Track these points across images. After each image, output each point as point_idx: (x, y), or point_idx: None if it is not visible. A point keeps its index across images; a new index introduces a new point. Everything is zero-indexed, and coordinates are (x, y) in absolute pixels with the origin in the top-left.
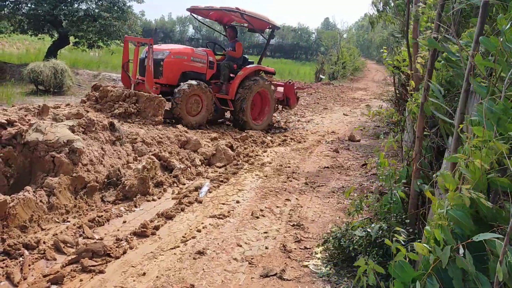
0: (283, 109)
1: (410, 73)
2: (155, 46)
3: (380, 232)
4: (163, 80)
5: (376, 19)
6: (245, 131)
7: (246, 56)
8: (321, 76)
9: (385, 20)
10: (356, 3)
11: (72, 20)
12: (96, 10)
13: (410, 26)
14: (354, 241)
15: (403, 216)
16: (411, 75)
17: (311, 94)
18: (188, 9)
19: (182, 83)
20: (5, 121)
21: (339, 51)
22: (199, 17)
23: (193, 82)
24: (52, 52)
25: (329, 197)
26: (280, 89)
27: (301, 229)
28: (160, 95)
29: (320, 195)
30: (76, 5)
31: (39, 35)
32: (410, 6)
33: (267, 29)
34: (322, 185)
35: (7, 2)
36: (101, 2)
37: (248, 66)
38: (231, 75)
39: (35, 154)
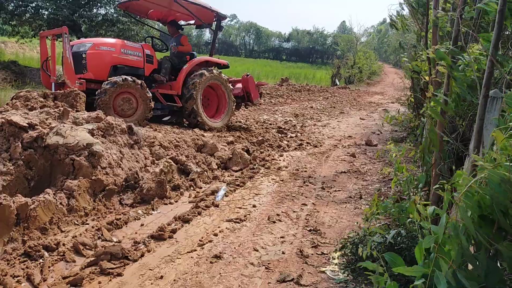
0: (246, 106)
1: (429, 78)
2: (77, 40)
3: (399, 238)
4: (88, 74)
5: (396, 22)
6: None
7: (194, 52)
8: (337, 80)
9: (403, 25)
10: (373, 7)
11: (91, 25)
12: (115, 15)
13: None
14: (372, 247)
15: (410, 220)
16: (430, 80)
17: (327, 98)
18: (119, 5)
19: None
20: (27, 125)
21: (355, 55)
22: (137, 16)
23: (119, 77)
24: None
25: (346, 202)
26: (239, 84)
27: (318, 234)
28: (75, 88)
29: (337, 200)
30: (95, 10)
31: (59, 39)
32: (430, 11)
33: (214, 21)
34: (339, 190)
35: (28, 8)
36: None
37: (193, 59)
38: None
39: (55, 157)
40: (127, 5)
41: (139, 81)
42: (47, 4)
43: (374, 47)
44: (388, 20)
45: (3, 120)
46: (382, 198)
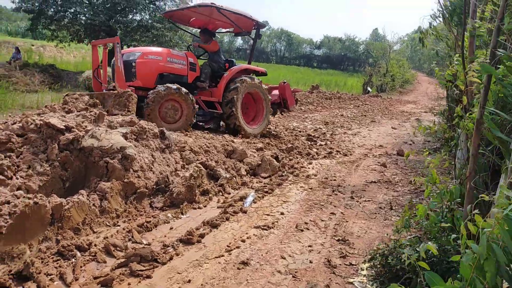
0: (281, 113)
1: (464, 88)
2: (127, 49)
3: (430, 252)
4: (137, 82)
5: (426, 34)
6: (289, 141)
7: (233, 59)
8: (368, 88)
9: (436, 36)
10: (407, 15)
11: (126, 30)
12: (150, 21)
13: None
14: (402, 260)
15: (455, 236)
16: (464, 91)
17: (358, 106)
18: (164, 14)
19: (158, 86)
20: (64, 127)
21: (388, 62)
22: (181, 25)
23: (166, 85)
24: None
25: (375, 213)
26: (275, 91)
27: (347, 245)
28: (128, 90)
29: (366, 210)
30: (130, 16)
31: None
32: (466, 20)
33: (253, 29)
34: (368, 200)
35: (67, 13)
36: (154, 13)
37: (234, 67)
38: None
39: (90, 159)
40: (172, 14)
41: (184, 89)
42: (85, 10)
43: (407, 55)
44: (424, 27)
45: (41, 122)
46: (413, 210)
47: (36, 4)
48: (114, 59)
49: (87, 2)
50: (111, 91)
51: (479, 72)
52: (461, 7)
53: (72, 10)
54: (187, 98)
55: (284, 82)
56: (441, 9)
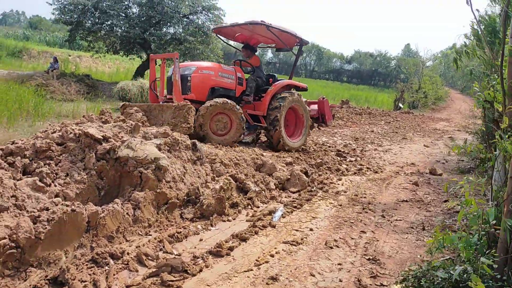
0: (319, 127)
1: (502, 109)
2: (183, 64)
3: (465, 275)
4: (191, 96)
5: (460, 55)
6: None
7: (275, 74)
8: (400, 104)
9: (472, 54)
10: (440, 31)
11: (160, 43)
12: (182, 34)
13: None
14: (436, 283)
15: (491, 260)
16: (504, 112)
17: (389, 122)
18: (214, 30)
19: (209, 100)
20: (101, 137)
21: (421, 79)
22: (226, 39)
23: (219, 99)
24: (140, 72)
25: (407, 233)
26: (314, 106)
27: (377, 264)
28: (188, 103)
29: (397, 229)
30: (164, 29)
31: (130, 55)
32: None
33: (296, 46)
34: (400, 219)
35: (104, 25)
36: (187, 26)
37: (278, 82)
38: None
39: (125, 169)
40: (220, 29)
41: (234, 103)
42: (121, 22)
43: (440, 72)
44: (458, 44)
45: (80, 131)
46: (447, 231)
47: (75, 16)
48: (171, 72)
49: (123, 15)
50: (171, 104)
51: None
52: (495, 25)
53: (108, 23)
54: (237, 112)
55: (323, 98)
56: (476, 28)
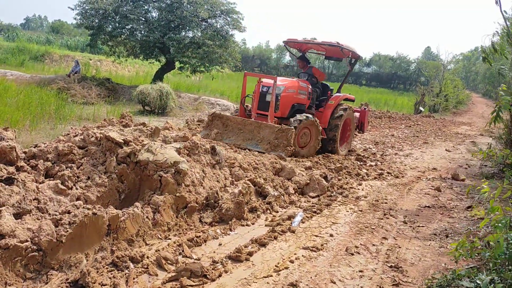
0: (355, 134)
1: None
2: (263, 80)
3: (492, 285)
4: (278, 113)
5: (489, 53)
6: (338, 161)
7: (327, 84)
8: (420, 108)
9: (501, 52)
10: (461, 34)
11: (179, 47)
12: (201, 38)
13: None
14: None
15: None
16: None
17: (410, 126)
18: (284, 42)
19: (296, 115)
20: (122, 141)
21: (441, 82)
22: (293, 50)
23: (308, 115)
24: (159, 76)
25: (430, 240)
26: (356, 114)
27: (399, 272)
28: (292, 127)
29: (420, 236)
30: (183, 33)
31: (149, 59)
32: None
33: (348, 58)
34: (422, 226)
35: (124, 29)
36: (206, 30)
37: (337, 95)
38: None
39: (145, 173)
40: (292, 42)
41: (316, 119)
42: (141, 27)
43: (462, 75)
44: (481, 47)
45: (101, 135)
46: (471, 239)
47: (96, 21)
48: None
49: (143, 19)
50: (273, 124)
51: None
52: None
53: (129, 27)
54: (317, 126)
55: (365, 108)
56: (505, 27)
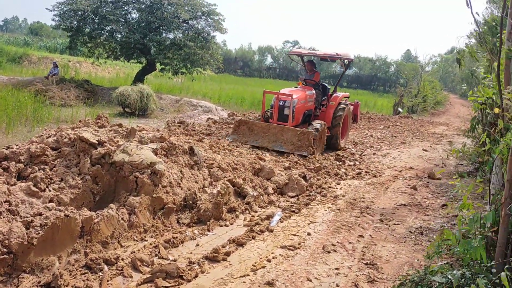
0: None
1: (499, 112)
2: (283, 96)
3: (463, 280)
4: (294, 122)
5: (463, 55)
6: (318, 160)
7: (325, 84)
8: (399, 109)
9: (472, 56)
10: (439, 36)
11: (160, 48)
12: (182, 40)
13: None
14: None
15: (489, 265)
16: (500, 114)
17: (389, 127)
18: (289, 54)
19: (315, 122)
20: (96, 142)
21: (420, 83)
22: (294, 57)
23: (321, 122)
24: (139, 77)
25: (405, 237)
26: (351, 107)
27: (375, 269)
28: (312, 130)
29: (395, 234)
30: (164, 34)
31: (130, 61)
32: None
33: (342, 60)
34: (398, 224)
35: (103, 31)
36: (187, 32)
37: (336, 95)
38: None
39: (120, 174)
40: (296, 53)
41: (325, 124)
42: (121, 28)
43: (439, 76)
44: (456, 49)
45: (75, 136)
46: (444, 236)
47: (75, 23)
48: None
49: (123, 20)
50: (295, 128)
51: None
52: (496, 28)
53: (108, 28)
54: (325, 129)
55: (357, 102)
56: (476, 29)
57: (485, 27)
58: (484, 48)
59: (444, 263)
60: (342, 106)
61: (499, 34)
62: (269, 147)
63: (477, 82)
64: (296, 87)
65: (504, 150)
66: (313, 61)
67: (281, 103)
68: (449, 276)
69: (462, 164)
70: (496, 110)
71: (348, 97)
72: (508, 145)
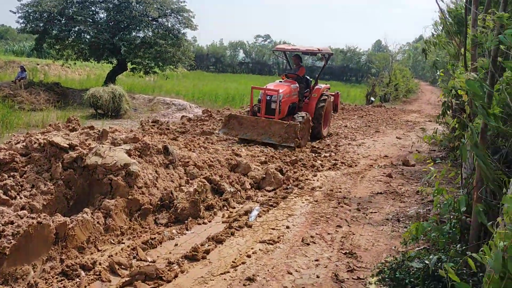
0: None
1: (466, 97)
2: (270, 90)
3: (439, 264)
4: (280, 115)
5: (429, 45)
6: (293, 153)
7: (308, 77)
8: (371, 98)
9: (439, 45)
10: (409, 25)
11: (130, 48)
12: (153, 38)
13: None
14: (411, 273)
15: (464, 248)
16: (468, 100)
17: (362, 116)
18: (274, 50)
19: (297, 114)
20: (67, 145)
21: (391, 72)
22: (278, 53)
23: (304, 114)
24: (110, 78)
25: (383, 225)
26: (331, 98)
27: (354, 258)
28: (297, 123)
29: (373, 222)
30: (133, 33)
31: (100, 61)
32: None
33: (322, 55)
34: (375, 212)
35: (71, 32)
36: (157, 30)
37: (318, 87)
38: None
39: (94, 177)
40: (279, 49)
41: (309, 115)
42: (89, 28)
43: (410, 64)
44: (426, 37)
45: (45, 141)
46: (421, 221)
47: (41, 25)
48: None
49: (91, 20)
50: (282, 121)
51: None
52: (461, 16)
53: (76, 29)
54: (310, 121)
55: (337, 93)
56: (443, 18)
57: (450, 14)
58: (450, 36)
59: (421, 248)
60: (324, 97)
61: (464, 22)
62: (258, 139)
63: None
64: (281, 81)
65: (467, 136)
66: (299, 56)
67: (268, 98)
68: (426, 261)
69: (434, 150)
70: (465, 97)
71: (329, 89)
72: (477, 130)
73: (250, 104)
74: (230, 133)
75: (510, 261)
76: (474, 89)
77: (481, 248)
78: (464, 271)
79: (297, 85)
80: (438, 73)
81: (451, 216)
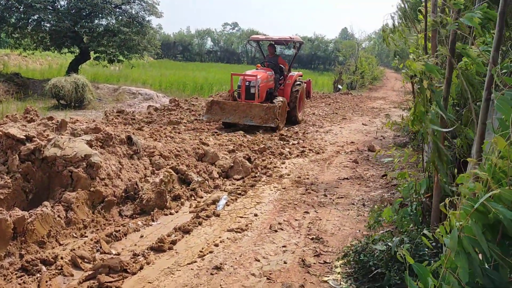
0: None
1: (427, 83)
2: (248, 76)
3: (402, 245)
4: (259, 100)
5: (389, 33)
6: (262, 142)
7: (281, 65)
8: (339, 86)
9: (399, 34)
10: (374, 13)
11: (93, 36)
12: (116, 26)
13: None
14: (375, 255)
15: (426, 229)
16: (428, 85)
17: (330, 104)
18: (248, 40)
19: (275, 99)
20: (24, 137)
21: (357, 60)
22: (253, 43)
23: (281, 99)
24: (73, 67)
25: (349, 209)
26: (304, 85)
27: (321, 243)
28: (276, 105)
29: (339, 207)
30: (96, 21)
31: (61, 50)
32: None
33: (293, 43)
34: (341, 197)
35: (30, 20)
36: (120, 17)
37: (291, 75)
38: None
39: (53, 169)
40: (255, 39)
41: (285, 99)
42: (49, 16)
43: (376, 52)
44: (390, 25)
45: (0, 133)
46: (385, 205)
47: None
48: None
49: (51, 8)
50: (261, 104)
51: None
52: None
53: (35, 17)
54: (286, 104)
55: (309, 80)
56: (403, 6)
57: (412, 2)
58: (409, 22)
59: (385, 231)
60: (297, 83)
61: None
62: (240, 122)
63: (406, 56)
64: (257, 69)
65: (434, 119)
66: (274, 45)
67: (247, 83)
68: (389, 244)
69: (399, 136)
70: (425, 84)
71: (302, 76)
72: (437, 114)
73: (231, 90)
74: (214, 118)
75: (465, 240)
76: (433, 72)
77: (437, 230)
78: (426, 252)
79: (273, 72)
80: (396, 61)
81: (413, 199)
